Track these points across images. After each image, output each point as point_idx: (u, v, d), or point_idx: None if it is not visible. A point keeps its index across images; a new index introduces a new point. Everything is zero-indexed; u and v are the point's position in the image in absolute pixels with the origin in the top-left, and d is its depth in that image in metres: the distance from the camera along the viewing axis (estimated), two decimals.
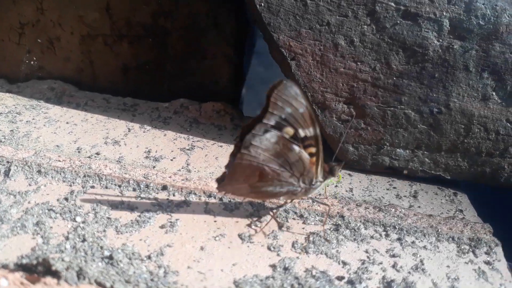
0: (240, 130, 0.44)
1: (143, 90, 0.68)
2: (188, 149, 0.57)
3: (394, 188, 0.55)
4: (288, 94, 0.41)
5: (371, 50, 0.55)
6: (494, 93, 0.54)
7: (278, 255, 0.42)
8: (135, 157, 0.54)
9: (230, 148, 0.59)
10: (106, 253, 0.39)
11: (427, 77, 0.54)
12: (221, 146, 0.59)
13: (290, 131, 0.42)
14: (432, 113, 0.55)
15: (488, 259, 0.45)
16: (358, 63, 0.55)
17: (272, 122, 0.41)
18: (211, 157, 0.56)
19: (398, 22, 0.54)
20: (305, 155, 0.43)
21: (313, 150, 0.43)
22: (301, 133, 0.42)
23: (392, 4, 0.53)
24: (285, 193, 0.44)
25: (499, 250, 0.46)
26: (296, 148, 0.42)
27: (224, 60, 0.66)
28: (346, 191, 0.54)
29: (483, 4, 0.52)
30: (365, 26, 0.54)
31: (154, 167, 0.53)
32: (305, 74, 0.56)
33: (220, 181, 0.44)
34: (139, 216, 0.45)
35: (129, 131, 0.60)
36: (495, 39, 0.53)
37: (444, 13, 0.53)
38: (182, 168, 0.53)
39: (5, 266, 0.37)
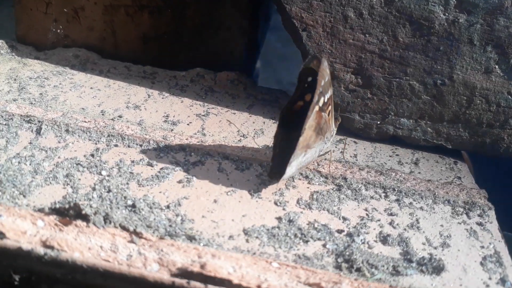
0: (285, 110, 0.48)
1: (162, 59, 0.72)
2: (204, 115, 0.61)
3: (397, 155, 0.58)
4: (324, 70, 0.46)
5: (379, 22, 0.57)
6: (497, 66, 0.56)
7: (283, 209, 0.46)
8: (155, 120, 0.58)
9: (242, 115, 0.63)
10: (129, 202, 0.44)
11: (432, 50, 0.57)
12: (234, 113, 0.63)
13: (321, 102, 0.47)
14: (435, 84, 0.58)
15: (481, 220, 0.48)
16: (366, 35, 0.58)
17: (319, 102, 0.47)
18: (224, 123, 0.60)
19: None
20: (326, 116, 0.48)
21: (330, 108, 0.48)
22: (326, 98, 0.47)
23: None
24: (318, 157, 0.50)
25: (492, 213, 0.50)
26: (324, 114, 0.48)
27: (239, 32, 0.69)
28: (351, 156, 0.57)
29: None
30: None
31: (172, 130, 0.57)
32: (316, 44, 0.59)
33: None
34: (159, 172, 0.49)
35: (148, 97, 0.64)
36: (499, 13, 0.55)
37: None
38: (197, 132, 0.57)
39: (41, 210, 0.41)
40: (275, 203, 0.47)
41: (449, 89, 0.57)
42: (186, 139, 0.55)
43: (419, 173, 0.55)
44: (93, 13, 0.70)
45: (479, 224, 0.48)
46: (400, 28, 0.57)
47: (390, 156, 0.58)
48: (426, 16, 0.56)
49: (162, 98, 0.64)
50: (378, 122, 0.60)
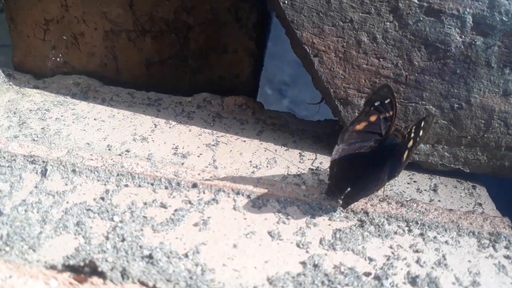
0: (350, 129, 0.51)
1: (166, 85, 0.70)
2: (213, 145, 0.59)
3: (415, 182, 0.57)
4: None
5: (393, 46, 0.55)
6: None
7: (307, 251, 0.44)
8: (164, 153, 0.56)
9: (253, 143, 0.61)
10: (146, 252, 0.42)
11: (449, 73, 0.55)
12: (244, 141, 0.61)
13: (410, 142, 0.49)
14: (452, 108, 0.56)
15: (508, 253, 0.47)
16: (380, 59, 0.56)
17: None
18: (235, 153, 0.58)
19: (421, 18, 0.54)
20: None
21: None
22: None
23: (415, 1, 0.54)
24: None
25: None
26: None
27: (245, 54, 0.67)
28: None
29: (507, 0, 0.52)
30: (388, 23, 0.55)
31: (182, 164, 0.55)
32: (328, 70, 0.57)
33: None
34: (173, 214, 0.47)
35: (155, 127, 0.61)
36: None
37: (468, 10, 0.53)
38: (209, 164, 0.55)
39: (53, 267, 0.39)
40: (297, 245, 0.45)
41: (467, 113, 0.56)
42: (198, 174, 0.53)
43: (439, 201, 0.54)
44: (93, 39, 0.68)
45: (507, 257, 0.47)
46: (415, 51, 0.55)
47: (408, 183, 0.56)
48: (442, 39, 0.54)
49: (169, 128, 0.62)
50: None
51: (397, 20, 0.55)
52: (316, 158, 0.59)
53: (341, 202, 0.50)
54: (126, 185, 0.50)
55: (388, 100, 0.51)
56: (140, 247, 0.42)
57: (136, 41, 0.67)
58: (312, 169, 0.57)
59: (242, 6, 0.63)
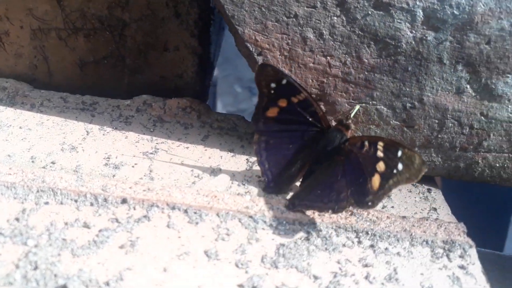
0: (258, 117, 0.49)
1: (103, 87, 0.64)
2: (151, 153, 0.54)
3: None
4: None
5: (341, 43, 0.52)
6: (468, 86, 0.52)
7: (246, 272, 0.40)
8: (94, 164, 0.51)
9: (196, 149, 0.56)
10: (60, 282, 0.37)
11: (400, 71, 0.52)
12: (187, 148, 0.56)
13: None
14: (405, 108, 0.53)
15: (462, 263, 0.44)
16: (328, 57, 0.52)
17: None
18: (176, 161, 0.53)
19: (370, 12, 0.51)
20: None
21: None
22: None
23: None
24: None
25: (473, 252, 0.45)
26: None
27: (188, 52, 0.62)
28: None
29: None
30: (335, 18, 0.51)
31: (113, 176, 0.49)
32: None
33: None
34: (97, 235, 0.42)
35: (87, 134, 0.56)
36: (469, 29, 0.50)
37: (418, 3, 0.50)
38: (144, 175, 0.50)
39: None
40: (236, 265, 0.41)
41: (420, 112, 0.53)
42: (130, 187, 0.48)
43: (392, 207, 0.51)
44: (20, 38, 0.61)
45: (461, 267, 0.44)
46: (364, 48, 0.52)
47: None
48: (392, 34, 0.51)
49: (103, 135, 0.56)
50: None
51: (344, 15, 0.51)
52: None
53: (287, 202, 0.48)
54: (47, 203, 0.45)
55: (285, 80, 0.47)
56: (55, 275, 0.37)
57: (68, 40, 0.61)
58: (259, 176, 0.52)
59: (181, 0, 0.58)
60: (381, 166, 0.44)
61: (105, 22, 0.60)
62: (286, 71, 0.52)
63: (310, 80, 0.53)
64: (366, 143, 0.46)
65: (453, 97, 0.52)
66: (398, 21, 0.50)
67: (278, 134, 0.50)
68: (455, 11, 0.50)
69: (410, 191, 0.54)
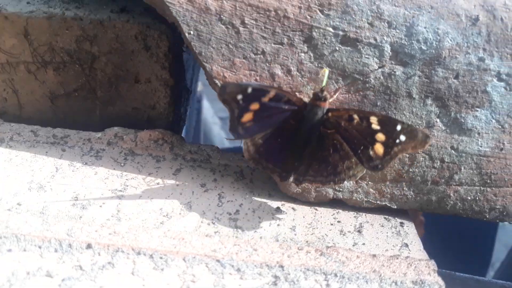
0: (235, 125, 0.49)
1: (75, 119, 0.64)
2: (121, 190, 0.53)
3: (339, 222, 0.53)
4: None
5: (309, 79, 0.51)
6: (438, 120, 0.52)
7: None
8: (61, 205, 0.50)
9: (167, 185, 0.55)
10: None
11: (369, 106, 0.52)
12: (157, 184, 0.55)
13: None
14: None
15: None
16: (296, 93, 0.52)
17: None
18: (145, 199, 0.53)
19: (337, 48, 0.50)
20: None
21: None
22: None
23: (330, 29, 0.50)
24: None
25: None
26: None
27: (159, 84, 0.61)
28: (290, 228, 0.51)
29: (425, 27, 0.49)
30: (302, 54, 0.51)
31: (80, 217, 0.49)
32: None
33: None
34: (60, 285, 0.41)
35: (56, 171, 0.55)
36: (437, 64, 0.50)
37: (385, 38, 0.50)
38: (112, 216, 0.49)
39: None
40: None
41: None
42: (96, 230, 0.47)
43: (364, 244, 0.50)
44: None
45: None
46: (333, 84, 0.51)
47: (332, 224, 0.53)
48: (360, 69, 0.51)
49: (73, 171, 0.56)
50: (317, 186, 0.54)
51: (312, 51, 0.51)
52: (236, 200, 0.54)
53: (292, 179, 0.51)
54: (10, 250, 0.44)
55: (250, 89, 0.47)
56: None
57: (37, 73, 0.61)
58: (229, 214, 0.52)
59: (150, 33, 0.58)
60: (380, 136, 0.46)
61: (74, 56, 0.59)
62: (247, 81, 0.51)
63: None
64: (356, 116, 0.48)
65: None
66: (366, 56, 0.50)
67: (261, 132, 0.50)
68: (422, 46, 0.50)
69: (383, 226, 0.53)
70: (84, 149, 0.59)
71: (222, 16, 0.50)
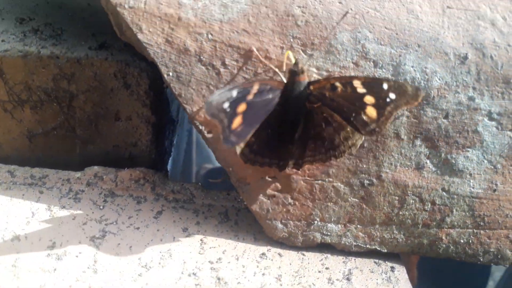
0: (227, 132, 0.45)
1: (54, 157, 0.61)
2: (99, 237, 0.51)
3: (327, 268, 0.51)
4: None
5: None
6: (428, 161, 0.50)
7: None
8: (35, 256, 0.48)
9: (147, 230, 0.53)
10: None
11: None
12: (137, 229, 0.53)
13: None
14: (363, 185, 0.50)
15: None
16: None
17: None
18: (124, 247, 0.50)
19: None
20: None
21: None
22: None
23: (314, 69, 0.48)
24: None
25: None
26: None
27: (140, 121, 0.59)
28: (275, 278, 0.49)
29: (412, 67, 0.47)
30: None
31: (55, 270, 0.46)
32: (224, 148, 0.50)
33: None
34: None
35: (33, 216, 0.53)
36: (426, 103, 0.48)
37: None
38: (88, 267, 0.47)
39: None
40: None
41: (378, 189, 0.50)
42: (70, 285, 0.45)
43: None
44: None
45: None
46: None
47: (319, 272, 0.50)
48: None
49: (50, 216, 0.53)
50: (303, 230, 0.52)
51: None
52: (219, 246, 0.52)
53: (291, 166, 0.49)
54: None
55: (235, 92, 0.44)
56: None
57: (14, 112, 0.59)
58: (211, 263, 0.50)
59: (130, 71, 0.56)
60: (369, 99, 0.44)
61: (51, 94, 0.57)
62: (228, 85, 0.48)
63: None
64: (338, 84, 0.45)
65: (413, 173, 0.50)
66: None
67: (251, 131, 0.47)
68: None
69: (372, 271, 0.51)
70: (63, 191, 0.57)
71: (201, 57, 0.48)
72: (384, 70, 0.48)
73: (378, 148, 0.49)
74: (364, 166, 0.50)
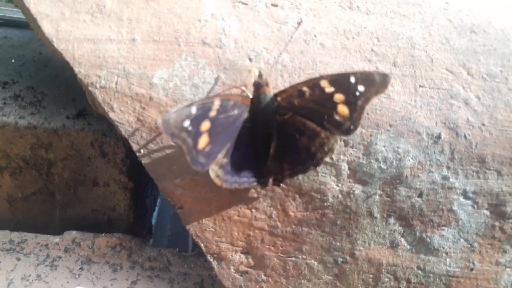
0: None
1: (34, 221, 0.62)
2: None
3: None
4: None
5: (265, 196, 0.49)
6: (402, 239, 0.49)
7: None
8: None
9: None
10: None
11: (329, 225, 0.49)
12: None
13: None
14: (336, 262, 0.50)
15: None
16: (252, 210, 0.49)
17: None
18: None
19: None
20: None
21: None
22: None
23: None
24: None
25: None
26: None
27: (118, 187, 0.59)
28: None
29: (384, 146, 0.47)
30: None
31: None
32: (196, 223, 0.50)
33: None
34: None
35: (7, 287, 0.53)
36: (399, 183, 0.47)
37: (342, 157, 0.47)
38: None
39: None
40: None
41: (352, 267, 0.49)
42: None
43: None
44: None
45: None
46: (289, 201, 0.49)
47: None
48: (317, 188, 0.48)
49: (25, 286, 0.53)
50: None
51: None
52: None
53: (271, 182, 0.46)
54: None
55: (194, 109, 0.42)
56: None
57: None
58: None
59: (106, 141, 0.56)
60: (339, 97, 0.43)
61: (30, 162, 0.58)
62: (186, 103, 0.44)
63: (236, 233, 0.50)
64: (305, 88, 0.44)
65: (387, 251, 0.49)
66: (323, 174, 0.48)
67: (223, 150, 0.45)
68: (382, 165, 0.47)
69: None
70: (40, 257, 0.57)
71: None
72: (355, 149, 0.47)
73: (351, 226, 0.49)
74: (338, 243, 0.49)
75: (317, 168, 0.47)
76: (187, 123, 0.41)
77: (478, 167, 0.47)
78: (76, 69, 0.48)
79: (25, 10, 0.50)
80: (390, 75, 0.41)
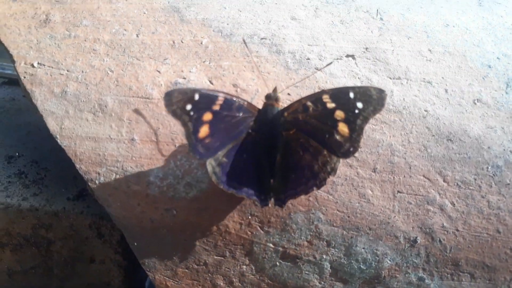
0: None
1: None
2: None
3: None
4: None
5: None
6: None
7: None
8: None
9: None
10: None
11: None
12: None
13: None
14: None
15: None
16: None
17: None
18: None
19: (278, 263, 0.51)
20: None
21: None
22: None
23: (270, 245, 0.51)
24: None
25: None
26: None
27: (113, 265, 0.62)
28: None
29: (363, 248, 0.50)
30: (244, 266, 0.51)
31: None
32: None
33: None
34: None
35: None
36: (378, 283, 0.50)
37: (324, 256, 0.50)
38: None
39: None
40: None
41: None
42: None
43: None
44: None
45: None
46: None
47: None
48: (301, 284, 0.51)
49: None
50: None
51: (253, 264, 0.51)
52: None
53: (272, 202, 0.46)
54: None
55: (197, 95, 0.42)
56: None
57: None
58: None
59: (104, 224, 0.59)
60: (339, 114, 0.43)
61: (30, 240, 0.61)
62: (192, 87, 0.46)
63: None
64: (309, 103, 0.44)
65: None
66: (306, 272, 0.51)
67: (223, 149, 0.45)
68: (362, 266, 0.50)
69: None
70: None
71: (162, 230, 0.51)
72: (336, 249, 0.50)
73: None
74: None
75: (302, 266, 0.50)
76: (189, 107, 0.42)
77: (453, 269, 0.50)
78: (77, 166, 0.52)
79: (33, 106, 0.54)
80: (386, 92, 0.42)
